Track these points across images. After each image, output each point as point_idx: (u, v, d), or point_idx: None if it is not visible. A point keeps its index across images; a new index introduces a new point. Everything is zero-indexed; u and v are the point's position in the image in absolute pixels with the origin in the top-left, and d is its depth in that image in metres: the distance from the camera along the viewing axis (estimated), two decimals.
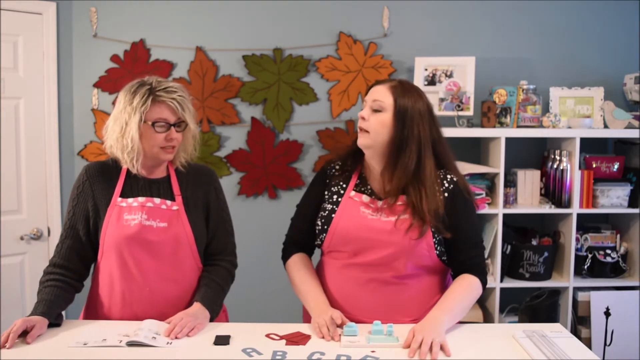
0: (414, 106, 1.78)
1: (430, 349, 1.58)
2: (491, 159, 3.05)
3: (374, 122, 1.79)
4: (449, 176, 1.84)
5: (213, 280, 1.91)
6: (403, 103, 1.77)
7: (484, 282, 1.84)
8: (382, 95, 1.80)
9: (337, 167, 1.96)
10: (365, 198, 1.86)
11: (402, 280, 1.82)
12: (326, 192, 1.93)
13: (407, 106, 1.77)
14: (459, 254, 1.84)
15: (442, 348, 1.60)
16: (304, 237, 1.96)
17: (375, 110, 1.80)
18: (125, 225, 1.82)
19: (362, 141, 1.82)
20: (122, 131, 1.79)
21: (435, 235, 1.80)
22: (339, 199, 1.88)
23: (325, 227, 1.86)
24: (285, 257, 2.00)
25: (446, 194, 1.81)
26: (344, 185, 1.90)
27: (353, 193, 1.88)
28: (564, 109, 3.16)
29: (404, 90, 1.80)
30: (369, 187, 1.88)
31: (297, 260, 1.96)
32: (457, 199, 1.82)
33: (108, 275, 1.87)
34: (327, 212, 1.87)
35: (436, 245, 1.81)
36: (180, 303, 1.87)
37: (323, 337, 1.71)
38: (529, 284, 3.00)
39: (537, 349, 1.63)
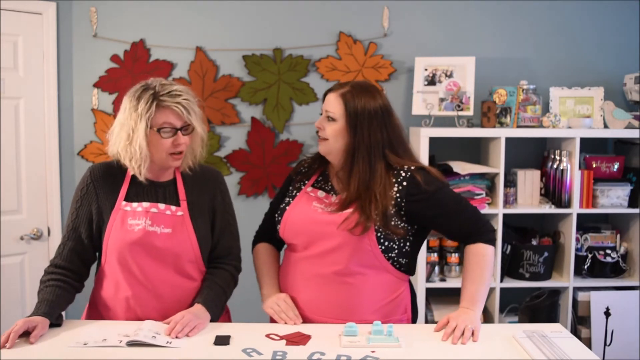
0: (364, 110, 1.80)
1: (462, 334, 1.70)
2: (491, 159, 3.05)
3: (330, 131, 1.83)
4: (405, 166, 1.84)
5: (215, 283, 1.90)
6: (353, 110, 1.80)
7: (489, 240, 1.88)
8: (333, 105, 1.83)
9: (306, 165, 2.02)
10: (320, 193, 1.91)
11: (344, 278, 1.83)
12: (290, 188, 1.99)
13: (357, 112, 1.80)
14: (449, 230, 1.91)
15: (472, 334, 1.71)
16: (270, 230, 2.02)
17: (330, 119, 1.83)
18: (129, 231, 1.81)
19: (321, 149, 1.88)
20: (129, 139, 1.76)
21: (380, 230, 1.80)
22: (297, 194, 1.94)
23: (279, 218, 1.92)
24: (253, 246, 2.10)
25: (405, 183, 1.82)
26: (306, 181, 1.97)
27: (310, 189, 1.94)
28: (564, 109, 3.16)
29: (355, 95, 1.82)
30: (329, 183, 1.93)
31: (258, 249, 2.07)
32: (416, 188, 1.81)
33: (112, 279, 1.86)
34: (284, 204, 1.94)
35: (381, 240, 1.81)
36: (185, 307, 1.86)
37: (286, 322, 1.83)
38: (529, 284, 3.00)
39: (537, 349, 1.63)
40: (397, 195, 1.81)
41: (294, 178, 2.00)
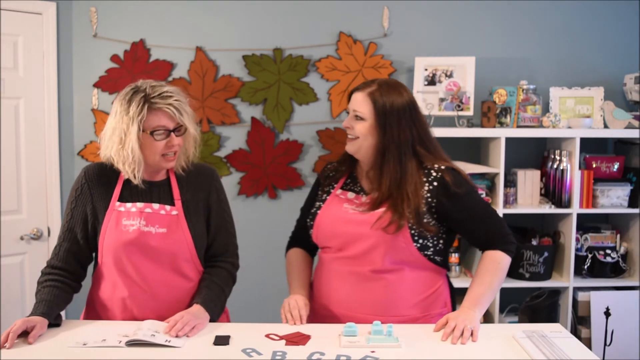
0: (392, 108, 1.81)
1: (461, 334, 1.70)
2: (491, 159, 3.05)
3: (359, 130, 1.84)
4: (436, 165, 1.85)
5: (214, 282, 1.90)
6: (382, 109, 1.81)
7: (509, 250, 1.87)
8: (361, 104, 1.83)
9: (333, 168, 2.02)
10: (350, 195, 1.92)
11: (381, 275, 1.83)
12: (319, 192, 1.99)
13: (385, 111, 1.81)
14: (472, 235, 1.91)
15: (472, 334, 1.71)
16: (303, 235, 2.02)
17: (358, 118, 1.83)
18: (123, 231, 1.81)
19: (349, 148, 1.88)
20: (121, 142, 1.76)
21: (414, 227, 1.81)
22: (327, 197, 1.94)
23: (311, 222, 1.93)
24: (286, 252, 2.11)
25: (435, 183, 1.83)
26: (334, 184, 1.97)
27: (340, 191, 1.94)
28: (564, 109, 3.16)
29: (382, 93, 1.82)
30: (358, 184, 1.94)
31: (290, 254, 2.09)
32: (447, 188, 1.82)
33: (109, 280, 1.86)
34: (314, 209, 1.95)
35: (415, 238, 1.82)
36: (182, 307, 1.86)
37: (287, 321, 1.84)
38: (529, 284, 3.00)
39: (537, 349, 1.63)
40: (428, 195, 1.82)
41: (322, 182, 2.01)
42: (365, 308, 1.84)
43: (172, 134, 1.80)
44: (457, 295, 3.19)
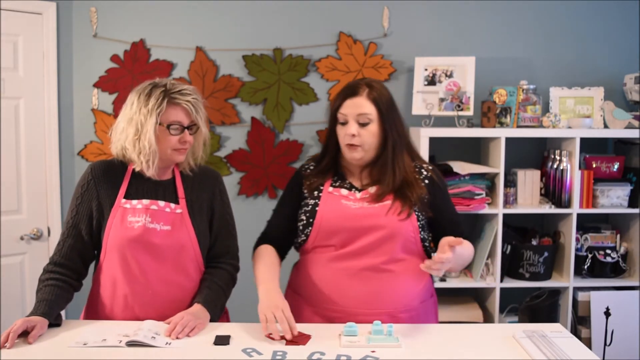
0: (388, 103, 1.87)
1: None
2: (491, 159, 3.05)
3: (366, 136, 1.84)
4: (424, 165, 1.96)
5: (214, 283, 1.90)
6: (383, 107, 1.85)
7: (475, 248, 2.00)
8: (366, 107, 1.84)
9: (312, 167, 2.01)
10: (343, 191, 1.92)
11: (392, 265, 1.86)
12: (305, 191, 1.97)
13: (387, 107, 1.86)
14: (444, 234, 1.91)
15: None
16: (277, 234, 2.01)
17: (363, 124, 1.84)
18: (129, 227, 1.82)
19: (356, 156, 1.87)
20: (137, 134, 1.78)
21: (420, 218, 1.88)
22: (320, 194, 1.93)
23: (311, 220, 1.90)
24: (254, 249, 2.02)
25: (426, 181, 1.92)
26: (322, 182, 1.96)
27: (331, 189, 1.94)
28: (564, 109, 3.16)
29: (376, 91, 1.86)
30: (347, 181, 1.95)
31: (260, 250, 1.98)
32: (436, 187, 1.93)
33: (111, 277, 1.86)
34: (310, 206, 1.93)
35: (420, 229, 1.89)
36: (183, 306, 1.86)
37: (270, 335, 1.68)
38: (529, 284, 3.00)
39: (537, 349, 1.63)
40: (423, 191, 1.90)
41: (304, 182, 1.98)
42: (378, 304, 1.84)
43: (185, 130, 1.83)
44: (454, 296, 3.19)
